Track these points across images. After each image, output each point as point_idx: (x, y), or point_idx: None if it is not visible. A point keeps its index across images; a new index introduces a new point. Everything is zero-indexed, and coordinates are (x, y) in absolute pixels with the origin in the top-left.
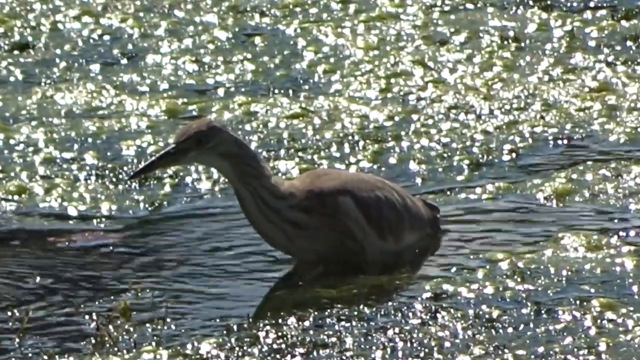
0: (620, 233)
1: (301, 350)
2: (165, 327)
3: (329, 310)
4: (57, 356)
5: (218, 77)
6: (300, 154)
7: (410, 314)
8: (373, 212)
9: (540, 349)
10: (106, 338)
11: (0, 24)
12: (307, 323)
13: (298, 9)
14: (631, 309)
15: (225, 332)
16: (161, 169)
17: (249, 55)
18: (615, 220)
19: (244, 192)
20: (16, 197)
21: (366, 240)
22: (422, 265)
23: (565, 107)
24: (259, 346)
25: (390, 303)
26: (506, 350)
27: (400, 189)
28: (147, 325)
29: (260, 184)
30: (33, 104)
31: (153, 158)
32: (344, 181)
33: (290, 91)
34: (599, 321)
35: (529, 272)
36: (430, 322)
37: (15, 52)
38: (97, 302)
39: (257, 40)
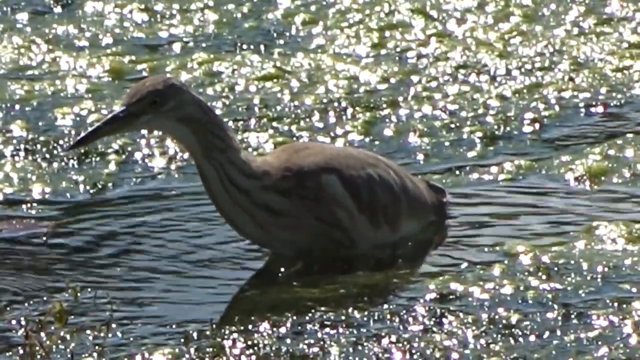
0: None
1: None
2: (110, 335)
3: (310, 314)
4: None
5: (173, 30)
6: (274, 124)
7: (410, 319)
8: (364, 194)
9: None
10: (37, 348)
11: None
12: (283, 330)
13: None
14: None
15: (182, 340)
16: (107, 137)
17: (211, 3)
18: None
19: (208, 168)
20: None
21: (356, 229)
22: (425, 259)
23: (600, 66)
24: (224, 357)
25: (385, 306)
26: None
27: (397, 167)
28: (88, 332)
29: (227, 159)
30: None
31: (98, 124)
32: (328, 157)
33: (262, 47)
34: None
35: (556, 269)
36: (435, 329)
37: None
38: (25, 305)
39: None
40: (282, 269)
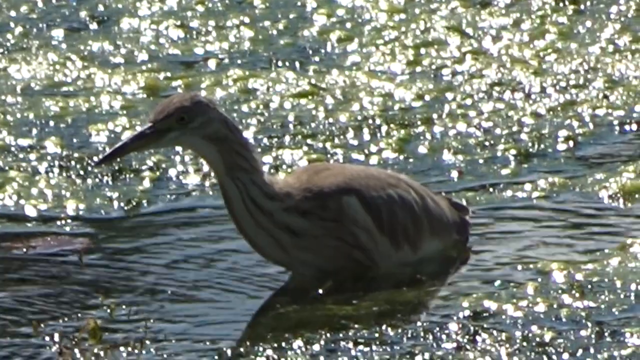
0: None
1: None
2: (144, 351)
3: (343, 332)
4: None
5: (209, 46)
6: (309, 140)
7: (444, 337)
8: (384, 214)
9: None
10: None
11: None
12: (316, 347)
13: None
14: None
15: (216, 357)
16: (141, 155)
17: (247, 20)
18: None
19: (231, 188)
20: None
21: (377, 250)
22: (458, 277)
23: (634, 84)
24: None
25: (419, 323)
26: None
27: (418, 187)
28: (122, 348)
29: (250, 180)
30: None
31: (125, 139)
32: (348, 177)
33: (297, 64)
34: None
35: (589, 287)
36: (468, 347)
37: None
38: (60, 321)
39: (257, 0)
40: (316, 288)
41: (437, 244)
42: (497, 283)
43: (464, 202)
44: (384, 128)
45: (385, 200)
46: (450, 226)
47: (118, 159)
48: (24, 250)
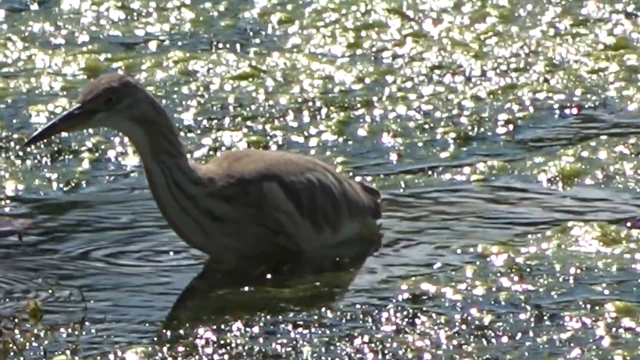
0: None
1: None
2: (83, 333)
3: (282, 314)
4: None
5: (149, 28)
6: (249, 123)
7: (383, 319)
8: (305, 199)
9: None
10: (10, 345)
11: None
12: (256, 329)
13: None
14: None
15: (155, 339)
16: (75, 134)
17: (187, 1)
18: (635, 208)
19: (157, 172)
20: None
21: (299, 234)
22: (396, 260)
23: (575, 68)
24: (197, 357)
25: (357, 306)
26: None
27: (335, 171)
28: (62, 330)
29: (175, 164)
30: None
31: (54, 120)
32: (268, 163)
33: (238, 46)
34: (613, 329)
35: (528, 270)
36: (407, 329)
37: None
38: (0, 302)
39: None
40: (254, 270)
41: (355, 227)
42: (436, 266)
43: (403, 185)
44: (324, 110)
45: (305, 184)
46: (366, 209)
47: (46, 140)
48: None
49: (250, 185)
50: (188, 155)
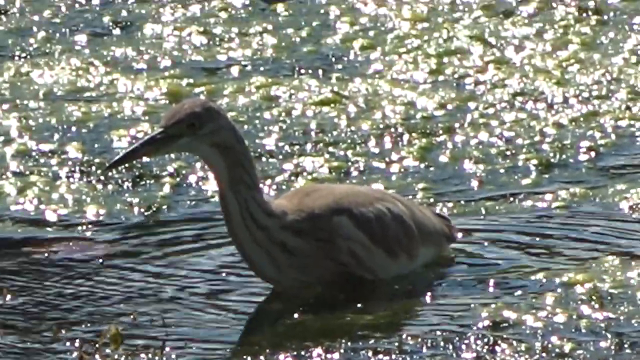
0: None
1: None
2: (164, 358)
3: (362, 341)
4: None
5: (231, 53)
6: (330, 148)
7: (464, 346)
8: (376, 228)
9: None
10: None
11: None
12: (336, 356)
13: None
14: None
15: None
16: (156, 159)
17: (270, 27)
18: None
19: (232, 201)
20: None
21: (374, 262)
22: (475, 287)
23: None
24: None
25: (438, 333)
26: None
27: (404, 200)
28: (142, 355)
29: (251, 196)
30: (4, 82)
31: (136, 144)
32: (337, 197)
33: (320, 71)
34: None
35: (609, 298)
36: (488, 357)
37: None
38: (81, 327)
39: (280, 8)
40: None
41: (431, 251)
42: (517, 293)
43: (483, 212)
44: (406, 136)
45: (374, 214)
46: (440, 233)
47: (127, 164)
48: (45, 255)
49: (320, 220)
50: (269, 181)
